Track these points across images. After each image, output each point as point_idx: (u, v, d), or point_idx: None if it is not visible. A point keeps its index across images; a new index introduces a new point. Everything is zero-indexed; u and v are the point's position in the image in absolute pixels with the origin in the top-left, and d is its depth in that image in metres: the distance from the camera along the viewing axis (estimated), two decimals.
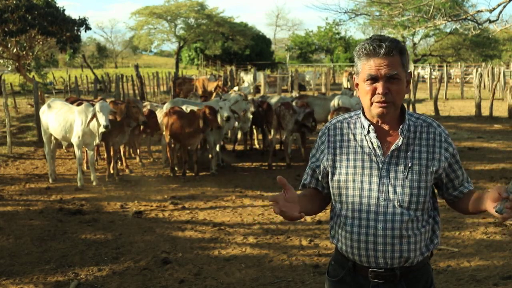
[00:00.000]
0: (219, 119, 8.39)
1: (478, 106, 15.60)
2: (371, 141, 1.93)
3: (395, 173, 1.90)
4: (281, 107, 8.92)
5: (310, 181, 2.09)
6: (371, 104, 1.89)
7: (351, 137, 1.98)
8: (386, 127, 1.94)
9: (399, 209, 1.90)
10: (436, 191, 2.05)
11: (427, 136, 1.94)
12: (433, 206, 2.02)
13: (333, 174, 1.99)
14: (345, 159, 1.97)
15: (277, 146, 10.28)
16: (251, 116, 9.74)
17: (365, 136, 1.95)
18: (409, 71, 1.93)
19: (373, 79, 1.86)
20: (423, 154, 1.92)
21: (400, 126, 1.93)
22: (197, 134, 8.14)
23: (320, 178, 2.06)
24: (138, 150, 9.51)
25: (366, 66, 1.87)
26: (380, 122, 1.93)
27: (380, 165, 1.91)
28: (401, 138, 1.91)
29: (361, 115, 1.98)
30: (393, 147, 1.91)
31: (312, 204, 2.06)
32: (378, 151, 1.92)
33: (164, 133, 8.65)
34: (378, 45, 1.84)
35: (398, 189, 1.90)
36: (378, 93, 1.85)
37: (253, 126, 10.60)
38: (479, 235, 5.34)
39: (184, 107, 8.81)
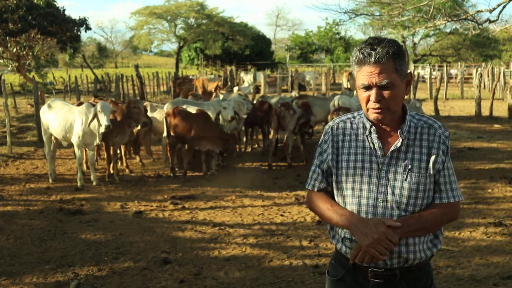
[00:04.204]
0: (221, 120, 8.39)
1: (478, 106, 15.59)
2: (372, 142, 1.94)
3: (394, 174, 1.91)
4: (281, 108, 8.92)
5: (326, 186, 2.04)
6: (368, 110, 1.91)
7: (354, 137, 1.99)
8: (387, 128, 1.94)
9: (397, 211, 1.90)
10: None
11: (427, 137, 1.93)
12: None
13: (335, 175, 2.00)
14: (346, 159, 1.97)
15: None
16: (245, 116, 9.72)
17: (367, 136, 1.95)
18: (408, 71, 1.92)
19: (366, 87, 1.87)
20: (423, 156, 1.91)
21: (400, 127, 1.93)
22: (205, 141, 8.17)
23: (329, 179, 2.05)
24: (138, 150, 9.50)
25: (359, 74, 1.88)
26: (380, 124, 1.94)
27: (380, 166, 1.92)
28: (400, 139, 1.91)
29: (363, 115, 1.99)
30: (392, 148, 1.91)
31: None
32: (378, 152, 1.92)
33: (165, 133, 8.64)
34: (368, 53, 1.83)
35: (397, 191, 1.90)
36: (372, 101, 1.87)
37: (255, 126, 10.60)
38: (479, 235, 5.34)
39: (184, 107, 8.79)
